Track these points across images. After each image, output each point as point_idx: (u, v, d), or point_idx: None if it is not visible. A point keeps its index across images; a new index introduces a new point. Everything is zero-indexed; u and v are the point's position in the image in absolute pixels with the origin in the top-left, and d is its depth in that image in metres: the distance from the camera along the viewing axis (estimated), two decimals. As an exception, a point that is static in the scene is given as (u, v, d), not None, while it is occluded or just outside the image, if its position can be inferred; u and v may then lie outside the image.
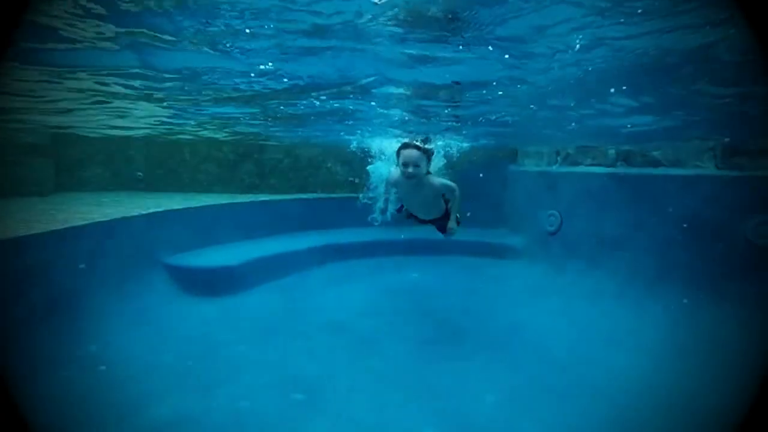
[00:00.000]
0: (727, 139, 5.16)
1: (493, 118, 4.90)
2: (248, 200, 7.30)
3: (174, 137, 7.83)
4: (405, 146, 3.89)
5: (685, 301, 5.11)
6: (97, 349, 4.06)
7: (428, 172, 4.09)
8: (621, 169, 6.08)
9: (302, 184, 9.24)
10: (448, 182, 4.14)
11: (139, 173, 8.49)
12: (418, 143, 3.90)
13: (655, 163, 5.77)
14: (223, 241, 6.51)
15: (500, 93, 3.81)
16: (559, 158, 7.25)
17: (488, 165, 8.70)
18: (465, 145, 7.65)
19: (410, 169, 3.85)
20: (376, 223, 4.15)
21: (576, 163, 6.88)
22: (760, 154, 4.92)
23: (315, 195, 8.76)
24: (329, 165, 9.35)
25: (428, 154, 3.95)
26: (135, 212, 5.18)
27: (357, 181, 9.23)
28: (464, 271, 7.18)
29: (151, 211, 5.42)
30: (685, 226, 5.29)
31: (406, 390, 3.80)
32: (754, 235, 4.78)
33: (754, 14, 1.75)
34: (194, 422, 3.32)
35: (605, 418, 3.40)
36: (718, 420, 3.35)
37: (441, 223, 4.45)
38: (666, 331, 4.85)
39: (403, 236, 7.74)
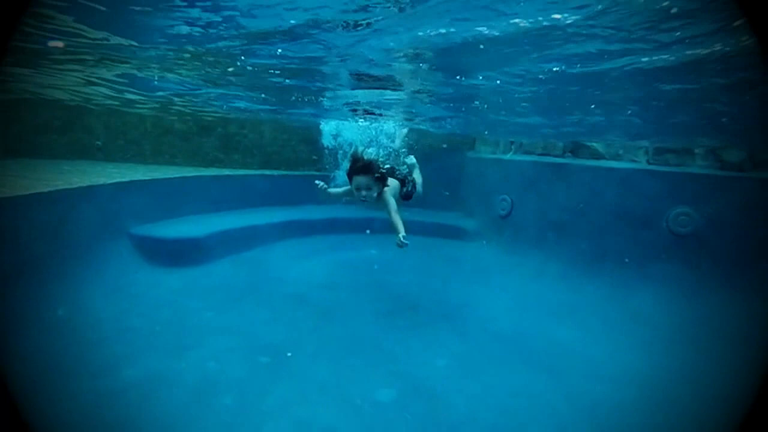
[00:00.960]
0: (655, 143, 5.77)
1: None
2: (213, 174, 7.39)
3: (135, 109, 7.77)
4: (355, 170, 3.87)
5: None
6: (65, 312, 4.18)
7: (383, 185, 4.04)
8: (567, 160, 6.60)
9: (266, 160, 9.35)
10: (395, 208, 4.01)
11: (98, 142, 8.36)
12: (366, 162, 3.85)
13: (598, 156, 6.32)
14: (188, 213, 6.61)
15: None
16: (513, 147, 7.72)
17: (447, 150, 9.10)
18: (428, 129, 8.01)
19: (363, 193, 3.91)
20: (320, 185, 4.18)
21: (528, 152, 7.37)
22: (683, 153, 5.53)
23: (278, 171, 8.90)
24: (293, 143, 9.48)
25: (379, 174, 3.92)
26: (101, 181, 5.23)
27: (316, 158, 9.47)
28: (421, 250, 7.58)
29: (117, 180, 5.46)
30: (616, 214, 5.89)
31: (364, 355, 4.15)
32: (674, 224, 5.40)
33: (754, 14, 1.75)
34: (165, 381, 3.54)
35: (543, 383, 3.84)
36: (635, 379, 3.89)
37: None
38: (599, 307, 5.41)
39: (362, 215, 8.04)
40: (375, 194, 3.96)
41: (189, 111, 8.03)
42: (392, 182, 4.31)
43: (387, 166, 4.57)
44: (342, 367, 3.92)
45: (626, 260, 5.75)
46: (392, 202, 4.02)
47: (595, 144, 6.29)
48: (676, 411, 3.52)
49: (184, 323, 4.51)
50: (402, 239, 3.68)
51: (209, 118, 8.61)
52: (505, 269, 6.68)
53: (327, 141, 8.57)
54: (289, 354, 4.05)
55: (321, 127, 8.42)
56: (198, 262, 5.80)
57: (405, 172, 4.85)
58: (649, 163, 5.83)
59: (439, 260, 7.19)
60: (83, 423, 2.99)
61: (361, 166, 3.86)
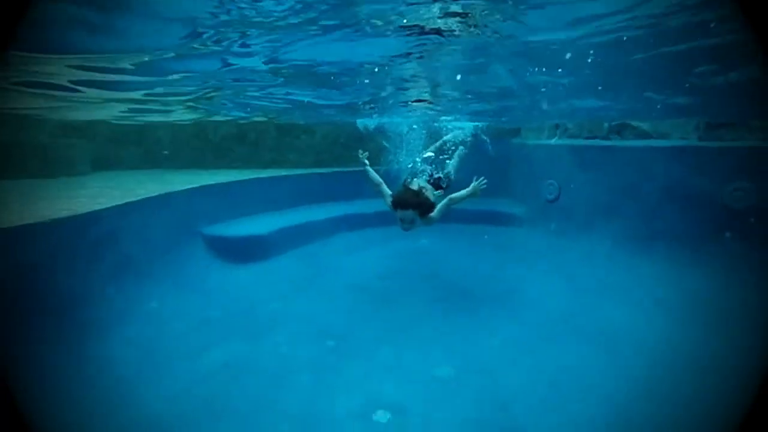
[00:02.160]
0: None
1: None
2: (270, 175, 7.92)
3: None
4: (400, 204, 3.88)
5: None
6: (158, 305, 4.75)
7: (428, 212, 4.01)
8: (614, 142, 6.61)
9: (317, 159, 9.81)
10: (440, 208, 4.13)
11: (165, 152, 9.09)
12: (412, 196, 3.90)
13: (645, 136, 6.30)
14: (251, 213, 7.14)
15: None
16: (558, 132, 7.77)
17: (494, 140, 9.22)
18: (473, 124, 8.21)
19: (406, 226, 3.95)
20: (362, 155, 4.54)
21: (573, 137, 7.41)
22: (738, 126, 5.43)
23: (330, 169, 9.33)
24: (342, 141, 9.88)
25: (425, 205, 3.94)
26: (176, 188, 5.81)
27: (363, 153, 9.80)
28: (470, 237, 7.81)
29: (188, 186, 6.03)
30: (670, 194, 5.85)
31: (422, 338, 4.47)
32: (730, 199, 5.33)
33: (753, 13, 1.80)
34: (245, 364, 4.00)
35: (595, 361, 4.01)
36: (694, 361, 3.96)
37: None
38: (651, 287, 5.45)
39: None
40: (417, 225, 4.01)
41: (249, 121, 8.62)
42: (437, 200, 4.34)
43: (436, 175, 4.88)
44: (402, 348, 4.26)
45: (679, 239, 5.73)
46: (441, 212, 4.11)
47: (641, 124, 6.27)
48: (731, 397, 3.60)
49: (256, 313, 5.00)
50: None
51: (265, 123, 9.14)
52: (554, 253, 6.79)
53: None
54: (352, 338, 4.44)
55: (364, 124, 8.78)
56: (263, 257, 6.30)
57: (448, 172, 5.08)
58: (701, 140, 5.76)
59: (488, 246, 7.39)
60: (182, 398, 3.48)
61: (405, 200, 3.90)
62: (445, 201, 4.16)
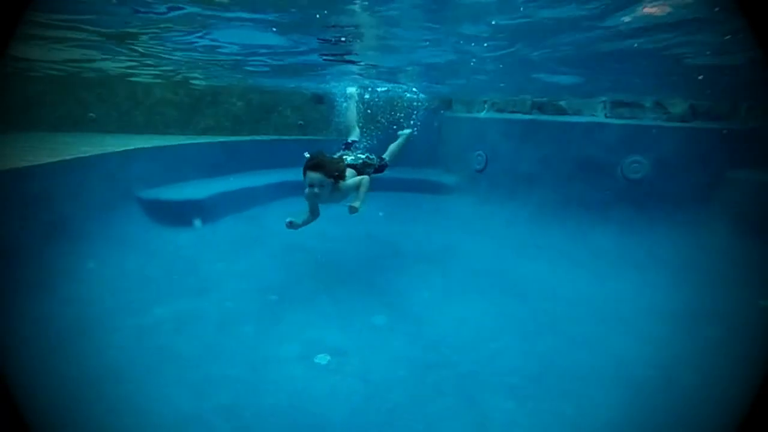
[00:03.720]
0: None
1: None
2: (207, 140, 7.85)
3: (130, 79, 8.09)
4: (309, 167, 3.80)
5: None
6: (95, 265, 4.74)
7: (338, 179, 3.96)
8: (535, 116, 7.24)
9: (254, 127, 9.77)
10: (358, 179, 4.17)
11: (92, 114, 8.67)
12: (323, 160, 3.83)
13: (562, 112, 6.96)
14: (189, 178, 7.09)
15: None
16: (486, 106, 8.30)
17: (426, 111, 9.62)
18: (409, 94, 8.54)
19: (315, 190, 3.83)
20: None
21: (500, 110, 7.97)
22: (635, 106, 6.21)
23: (269, 137, 9.35)
24: (280, 109, 9.88)
25: (335, 172, 3.88)
26: (110, 149, 5.70)
27: (302, 123, 9.94)
28: (404, 204, 8.23)
29: (123, 149, 5.92)
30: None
31: (358, 291, 4.83)
32: (628, 171, 6.13)
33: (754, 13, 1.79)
34: (192, 317, 4.16)
35: (513, 305, 4.57)
36: (589, 299, 4.65)
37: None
38: (564, 246, 6.15)
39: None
40: (329, 190, 3.92)
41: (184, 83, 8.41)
42: (351, 173, 4.33)
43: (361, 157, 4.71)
44: (340, 301, 4.59)
45: (588, 205, 6.47)
46: (354, 183, 4.11)
47: (559, 101, 6.92)
48: (618, 321, 4.29)
49: (198, 272, 5.12)
50: (355, 206, 3.91)
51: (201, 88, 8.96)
52: (481, 218, 7.38)
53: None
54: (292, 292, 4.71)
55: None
56: (203, 221, 6.34)
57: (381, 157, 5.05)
58: (606, 117, 6.49)
59: (421, 212, 7.85)
60: (130, 349, 3.60)
61: (318, 162, 3.81)
62: (357, 180, 4.17)
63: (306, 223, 4.41)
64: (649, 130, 6.06)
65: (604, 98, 6.50)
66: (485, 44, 4.32)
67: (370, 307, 4.48)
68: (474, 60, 5.08)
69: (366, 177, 4.26)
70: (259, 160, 8.58)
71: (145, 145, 6.49)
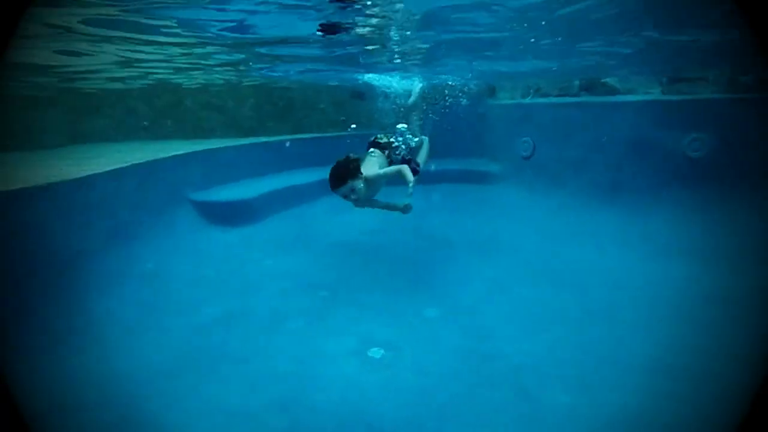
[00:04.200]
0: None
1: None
2: (251, 142, 8.03)
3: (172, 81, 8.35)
4: (331, 186, 3.85)
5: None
6: (153, 266, 4.93)
7: (355, 176, 3.85)
8: (583, 98, 6.93)
9: (296, 125, 9.90)
10: (394, 168, 4.08)
11: (145, 122, 9.05)
12: (336, 173, 3.80)
13: (613, 92, 6.62)
14: (236, 179, 7.27)
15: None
16: (531, 91, 8.04)
17: (470, 99, 9.43)
18: (450, 82, 8.36)
19: (353, 197, 3.87)
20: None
21: (546, 95, 7.69)
22: (697, 81, 5.80)
23: (310, 135, 9.45)
24: (322, 106, 9.97)
25: (356, 175, 3.82)
26: (162, 155, 5.91)
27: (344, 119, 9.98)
28: (450, 195, 8.11)
29: (173, 153, 6.13)
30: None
31: (409, 284, 4.78)
32: (688, 149, 5.74)
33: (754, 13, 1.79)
34: (242, 315, 4.24)
35: (565, 295, 4.41)
36: (643, 285, 4.40)
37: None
38: (616, 232, 5.86)
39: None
40: (363, 191, 3.90)
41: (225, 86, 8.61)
42: (370, 161, 4.32)
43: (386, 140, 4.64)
44: (390, 295, 4.55)
45: (641, 188, 6.13)
46: (386, 171, 4.06)
47: (609, 80, 6.58)
48: (674, 308, 4.04)
49: (247, 271, 5.23)
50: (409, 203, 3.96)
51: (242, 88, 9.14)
52: (528, 206, 7.16)
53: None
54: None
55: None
56: (251, 220, 6.48)
57: (411, 144, 4.87)
58: (664, 94, 6.12)
59: (467, 203, 7.71)
60: (182, 347, 3.70)
61: (332, 181, 3.82)
62: (392, 168, 4.11)
63: (384, 206, 4.41)
64: (712, 104, 5.64)
65: (660, 74, 6.12)
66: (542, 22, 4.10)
67: (421, 299, 4.42)
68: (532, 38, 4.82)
69: (403, 166, 4.07)
70: (303, 158, 8.67)
71: (194, 149, 6.69)
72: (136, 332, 3.88)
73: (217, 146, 7.25)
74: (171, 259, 5.22)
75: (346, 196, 3.90)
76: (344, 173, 3.82)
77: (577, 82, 7.12)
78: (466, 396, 3.04)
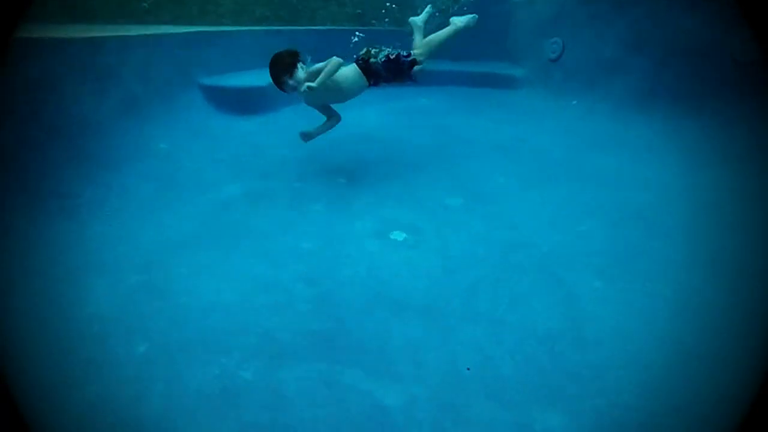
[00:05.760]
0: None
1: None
2: (265, 28, 7.51)
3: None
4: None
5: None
6: (166, 146, 4.76)
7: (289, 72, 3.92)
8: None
9: (311, 16, 9.28)
10: (334, 60, 3.99)
11: (145, 4, 8.43)
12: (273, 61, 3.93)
13: (658, -15, 6.04)
14: (248, 66, 6.88)
15: None
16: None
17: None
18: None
19: (288, 92, 4.01)
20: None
21: (582, -11, 7.07)
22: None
23: (325, 27, 8.88)
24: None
25: (287, 67, 3.90)
26: (172, 30, 5.51)
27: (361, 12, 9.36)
28: (468, 97, 7.77)
29: (184, 30, 5.72)
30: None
31: (430, 174, 4.63)
32: (739, 52, 5.30)
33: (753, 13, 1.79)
34: (261, 195, 4.12)
35: (593, 192, 4.25)
36: (685, 191, 4.25)
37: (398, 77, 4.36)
38: (648, 140, 5.61)
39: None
40: (302, 76, 3.93)
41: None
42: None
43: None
44: (411, 184, 4.42)
45: (681, 94, 5.77)
46: (319, 67, 3.96)
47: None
48: (715, 209, 3.90)
49: (264, 155, 5.07)
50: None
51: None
52: (555, 111, 6.84)
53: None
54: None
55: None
56: (263, 109, 6.21)
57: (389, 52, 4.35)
58: (714, -14, 5.56)
59: (487, 106, 7.37)
60: (207, 221, 3.64)
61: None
62: (322, 64, 4.02)
63: (327, 128, 4.53)
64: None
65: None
66: None
67: (444, 189, 4.30)
68: None
69: (333, 58, 4.00)
70: (317, 50, 8.17)
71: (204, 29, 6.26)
72: (156, 206, 3.79)
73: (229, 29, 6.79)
74: (184, 141, 5.03)
75: (282, 88, 3.97)
76: (276, 70, 3.93)
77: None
78: (496, 279, 2.99)
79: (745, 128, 5.22)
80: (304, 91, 3.74)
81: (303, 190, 4.28)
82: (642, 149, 5.39)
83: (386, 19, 9.18)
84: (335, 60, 3.93)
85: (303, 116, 6.40)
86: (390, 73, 4.34)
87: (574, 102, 6.80)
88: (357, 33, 4.54)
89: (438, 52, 4.58)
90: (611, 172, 4.78)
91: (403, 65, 4.33)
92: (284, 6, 9.02)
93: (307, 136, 4.32)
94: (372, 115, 6.74)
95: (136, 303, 2.64)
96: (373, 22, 8.81)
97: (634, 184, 4.46)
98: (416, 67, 4.37)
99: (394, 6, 9.16)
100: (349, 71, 4.28)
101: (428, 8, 4.72)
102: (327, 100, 4.36)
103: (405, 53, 4.36)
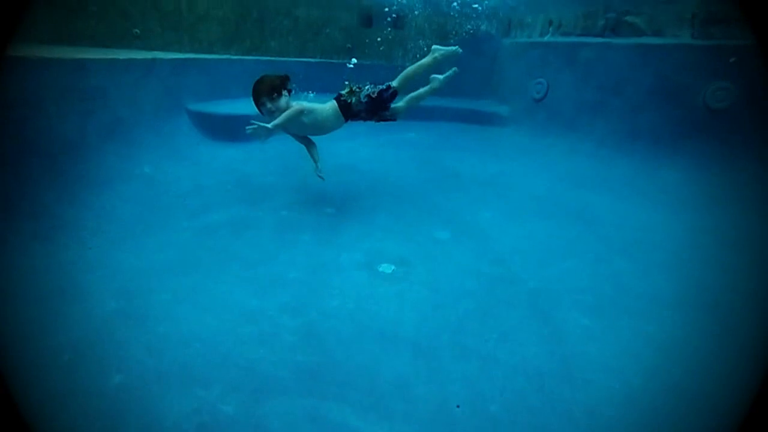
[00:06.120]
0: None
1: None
2: (255, 58, 7.58)
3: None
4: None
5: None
6: (151, 171, 4.68)
7: (278, 94, 3.99)
8: (606, 39, 6.62)
9: (301, 48, 9.42)
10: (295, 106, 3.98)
11: (136, 30, 8.45)
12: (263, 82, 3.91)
13: (640, 33, 6.32)
14: (236, 95, 6.90)
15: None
16: (551, 29, 7.67)
17: (481, 37, 9.04)
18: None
19: (263, 113, 4.01)
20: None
21: (567, 34, 7.35)
22: (732, 23, 5.51)
23: (315, 59, 9.01)
24: (328, 31, 9.46)
25: (273, 89, 3.93)
26: (161, 56, 5.52)
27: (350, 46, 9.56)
28: (455, 133, 7.90)
29: (174, 57, 5.74)
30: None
31: (418, 208, 4.62)
32: (711, 99, 5.55)
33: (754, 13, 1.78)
34: (246, 223, 4.07)
35: (578, 229, 4.30)
36: (657, 228, 4.33)
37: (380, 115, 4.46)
38: (629, 179, 5.76)
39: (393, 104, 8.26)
40: (283, 105, 3.98)
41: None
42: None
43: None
44: (399, 216, 4.41)
45: (658, 137, 5.98)
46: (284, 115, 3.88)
47: (636, 19, 6.26)
48: (696, 249, 3.98)
49: (251, 183, 5.02)
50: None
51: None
52: (538, 149, 6.98)
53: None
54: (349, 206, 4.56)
55: None
56: (251, 137, 6.14)
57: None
58: (693, 38, 5.84)
59: (473, 142, 7.49)
60: (189, 247, 3.55)
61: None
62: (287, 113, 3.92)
63: (315, 156, 4.54)
64: (743, 50, 5.39)
65: (693, 10, 5.78)
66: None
67: (432, 222, 4.29)
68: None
69: (295, 106, 4.00)
70: (306, 81, 8.27)
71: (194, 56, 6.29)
72: (138, 230, 3.70)
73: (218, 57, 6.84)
74: (170, 166, 4.96)
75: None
76: (260, 88, 3.97)
77: (601, 21, 6.77)
78: (483, 312, 2.96)
79: (718, 170, 5.42)
80: (261, 127, 3.67)
81: (290, 219, 4.23)
82: (624, 187, 5.51)
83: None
84: (296, 108, 3.94)
85: (291, 144, 6.43)
86: (370, 111, 4.41)
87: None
88: (353, 60, 4.55)
89: (416, 102, 4.77)
90: (594, 209, 4.86)
91: (385, 101, 4.38)
92: (274, 37, 9.14)
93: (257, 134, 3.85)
94: (361, 148, 6.79)
95: (111, 331, 2.53)
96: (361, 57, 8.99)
97: (617, 221, 4.54)
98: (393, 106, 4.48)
99: (382, 46, 9.42)
100: (328, 108, 4.32)
101: (454, 69, 4.72)
102: (302, 132, 4.41)
103: (385, 86, 4.39)
